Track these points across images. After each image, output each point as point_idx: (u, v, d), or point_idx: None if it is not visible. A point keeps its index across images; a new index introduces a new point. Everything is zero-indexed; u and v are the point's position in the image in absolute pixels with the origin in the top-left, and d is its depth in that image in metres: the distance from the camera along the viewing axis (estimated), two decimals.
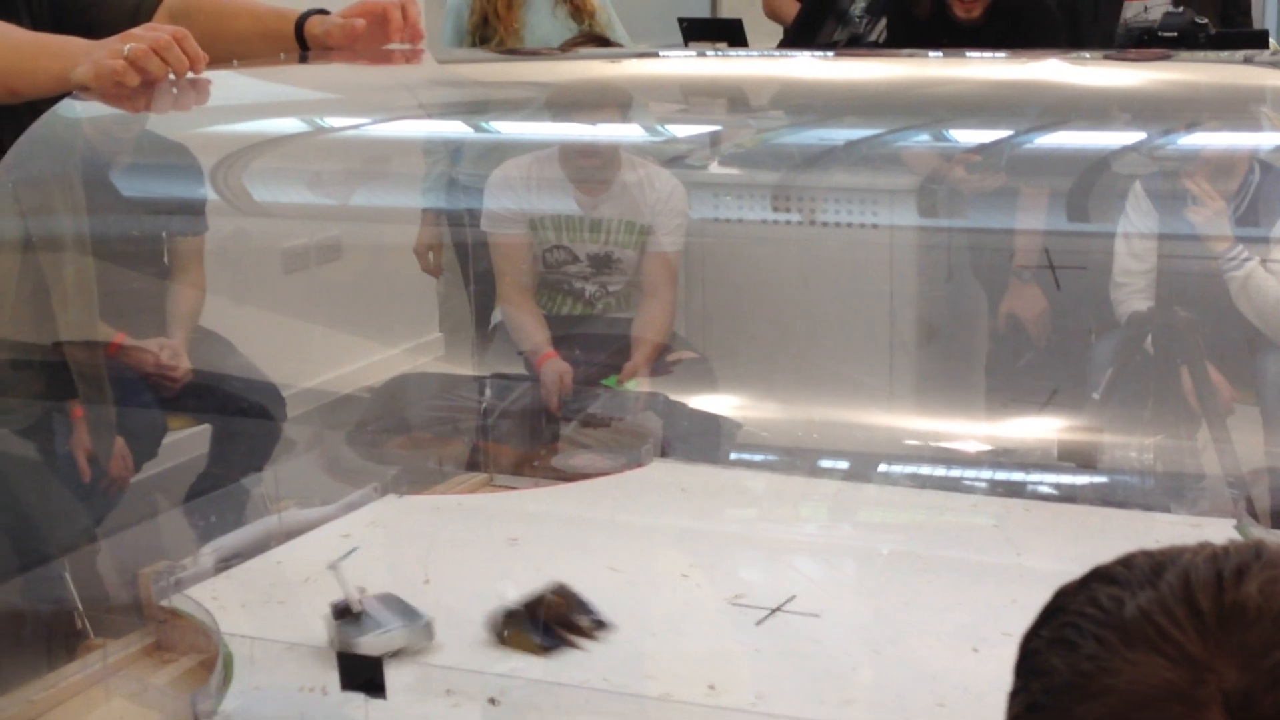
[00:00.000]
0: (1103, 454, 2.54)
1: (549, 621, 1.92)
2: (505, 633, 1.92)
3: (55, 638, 2.07)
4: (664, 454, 2.78)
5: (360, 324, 3.82)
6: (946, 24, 4.20)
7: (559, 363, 3.52)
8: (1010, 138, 2.63)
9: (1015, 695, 0.77)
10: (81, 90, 1.98)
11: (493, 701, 1.75)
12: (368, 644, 1.88)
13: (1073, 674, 0.73)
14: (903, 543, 2.31)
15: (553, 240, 3.74)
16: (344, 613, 1.96)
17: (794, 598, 2.04)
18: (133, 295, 3.46)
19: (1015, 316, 3.59)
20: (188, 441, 3.63)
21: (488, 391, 3.19)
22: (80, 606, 2.11)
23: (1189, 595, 0.74)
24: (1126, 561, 0.78)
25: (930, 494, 2.46)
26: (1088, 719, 0.71)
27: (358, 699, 1.70)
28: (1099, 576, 0.77)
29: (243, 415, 3.34)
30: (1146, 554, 0.78)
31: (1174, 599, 0.74)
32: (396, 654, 1.89)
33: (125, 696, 1.98)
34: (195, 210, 3.14)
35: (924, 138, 2.87)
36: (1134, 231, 3.29)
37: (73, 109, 2.06)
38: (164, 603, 2.10)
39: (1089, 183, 2.77)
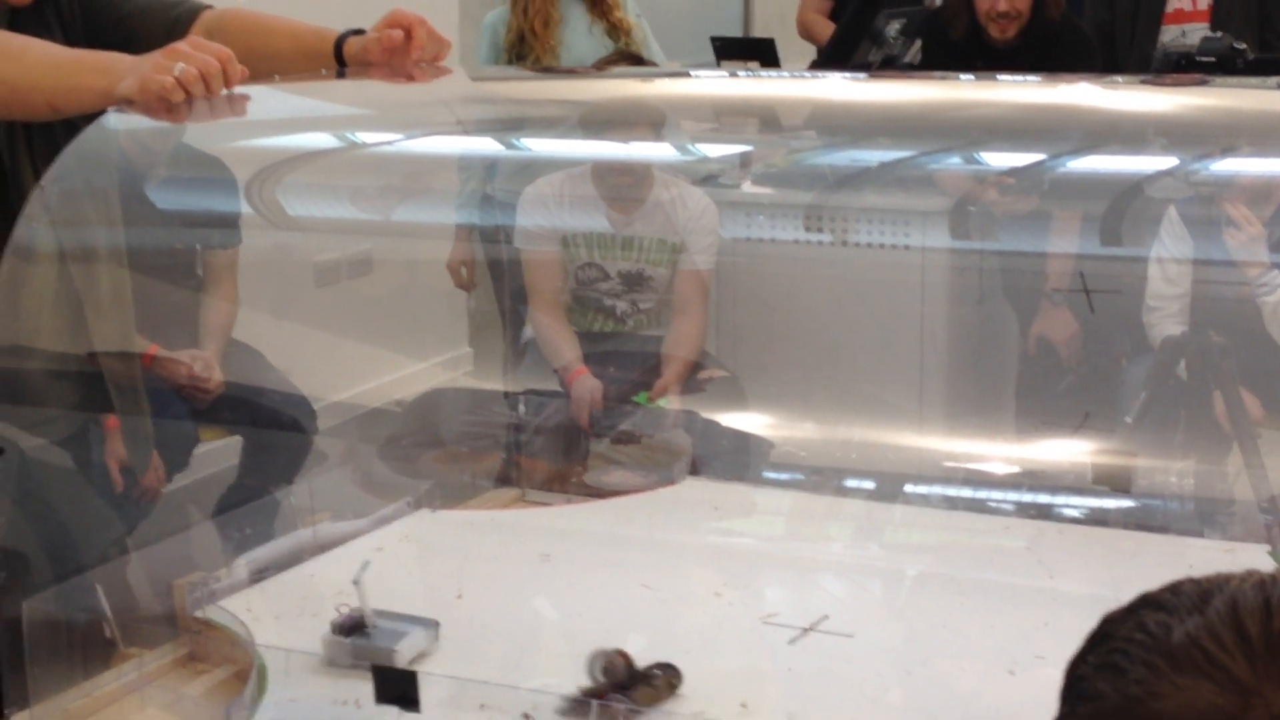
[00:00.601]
0: (1135, 477, 2.53)
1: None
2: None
3: (90, 647, 2.08)
4: (696, 472, 2.78)
5: (391, 338, 3.83)
6: (982, 46, 4.20)
7: (590, 380, 3.53)
8: (1044, 161, 2.63)
9: None
10: (125, 104, 1.99)
11: (526, 717, 1.76)
12: (404, 650, 1.91)
13: (1120, 699, 0.73)
14: (936, 564, 2.31)
15: (584, 257, 3.75)
16: (353, 629, 1.98)
17: (826, 617, 2.04)
18: (166, 307, 3.48)
19: (1047, 339, 3.59)
20: (218, 453, 3.65)
21: (520, 407, 3.20)
22: (111, 617, 2.12)
23: (1237, 621, 0.74)
24: (1174, 588, 0.78)
25: (963, 515, 2.46)
26: None
27: (392, 713, 1.70)
28: (1147, 603, 0.78)
29: (274, 427, 3.36)
30: (1194, 581, 0.78)
31: (1222, 625, 0.74)
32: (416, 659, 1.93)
33: (160, 707, 1.99)
34: (229, 223, 3.16)
35: (957, 160, 2.87)
36: (1168, 256, 3.29)
37: (113, 122, 2.07)
38: (198, 614, 2.11)
39: (1123, 206, 2.76)
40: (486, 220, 3.87)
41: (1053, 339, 3.56)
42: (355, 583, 2.02)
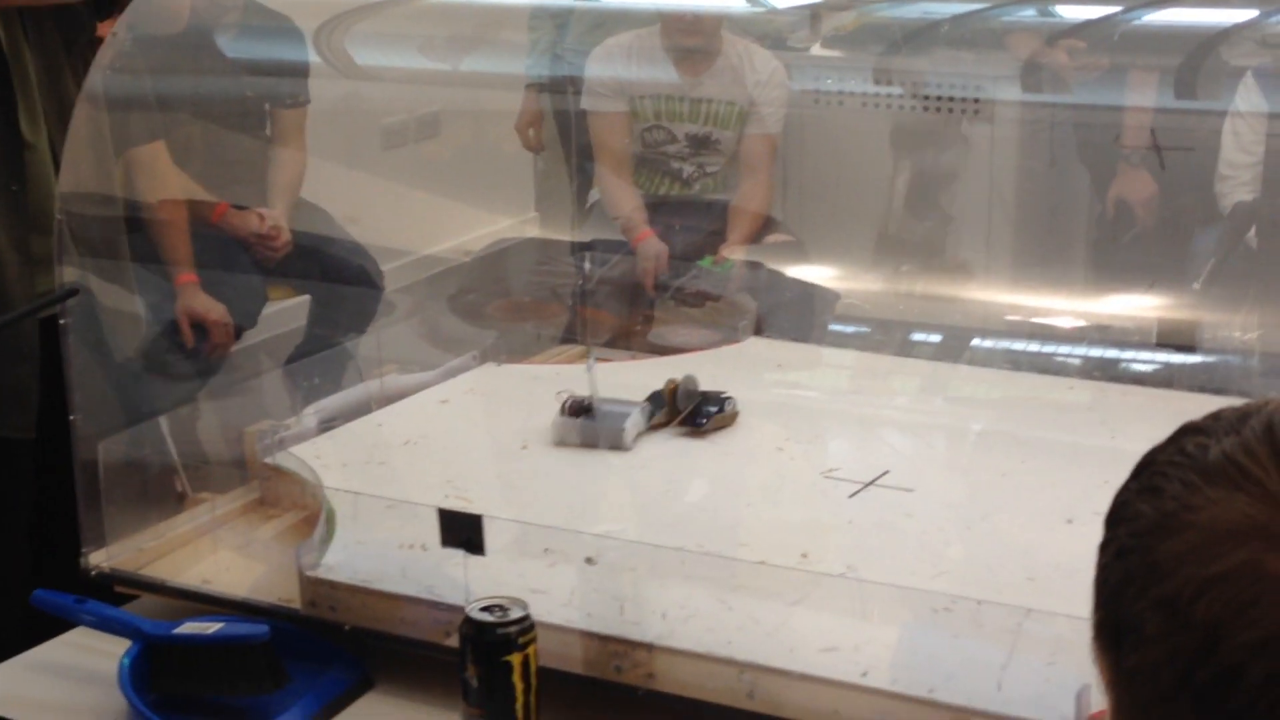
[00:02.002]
0: (1201, 340, 2.51)
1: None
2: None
3: (164, 491, 2.13)
4: (760, 331, 2.79)
5: (458, 201, 3.84)
6: None
7: (655, 242, 3.53)
8: (1119, 14, 2.59)
9: (1105, 546, 0.79)
10: None
11: (589, 561, 1.78)
12: (629, 428, 2.18)
13: (1158, 515, 0.75)
14: (998, 421, 2.31)
15: (651, 120, 3.73)
16: (581, 411, 2.18)
17: (887, 473, 2.06)
18: (236, 165, 3.51)
19: (1124, 201, 3.55)
20: (286, 313, 3.69)
21: (587, 263, 3.21)
22: (179, 464, 2.16)
23: (1271, 437, 0.75)
24: (1215, 415, 0.79)
25: (1026, 373, 2.46)
26: (1170, 555, 0.73)
27: (457, 556, 1.73)
28: (1187, 430, 0.79)
29: (342, 283, 3.39)
30: (1234, 407, 0.79)
31: (1257, 441, 0.75)
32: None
33: (232, 548, 2.04)
34: (298, 76, 3.16)
35: (1031, 13, 2.83)
36: (1242, 123, 3.24)
37: None
38: (268, 460, 2.15)
39: (1198, 61, 2.71)
40: (555, 80, 3.85)
41: (1130, 200, 3.52)
42: (589, 369, 2.26)
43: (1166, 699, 0.71)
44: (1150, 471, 0.78)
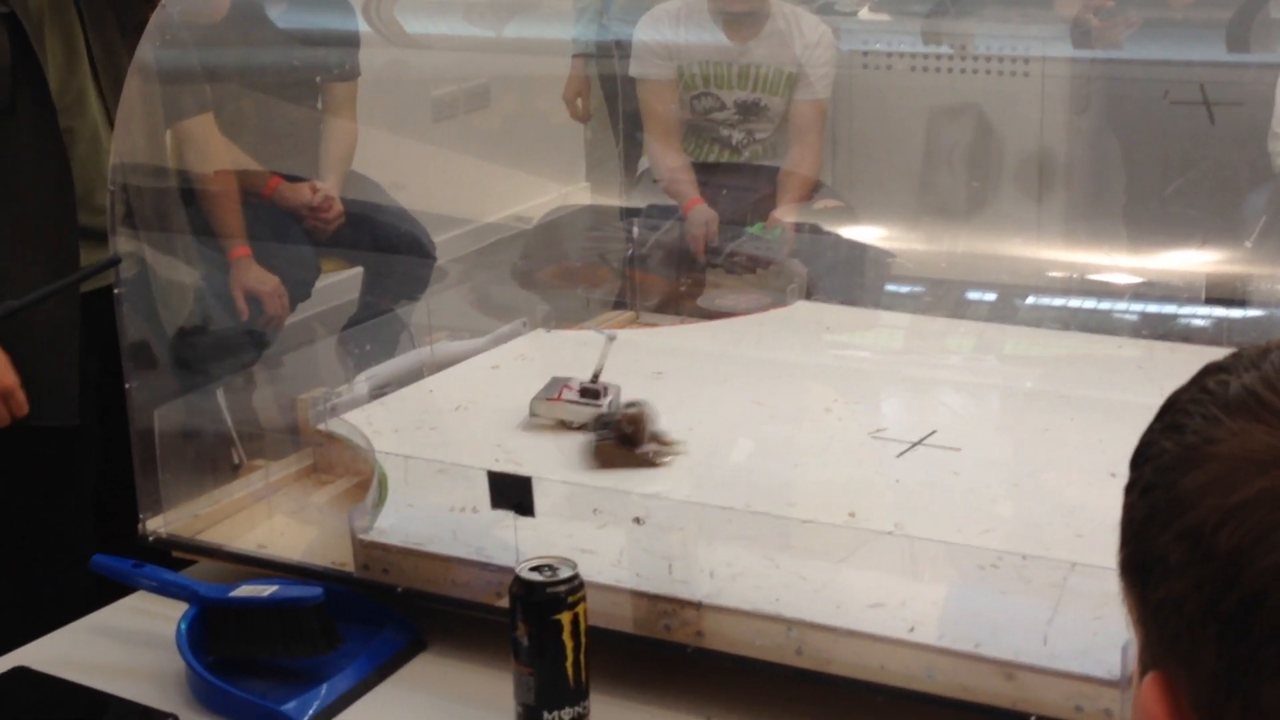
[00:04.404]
0: (1251, 297, 2.50)
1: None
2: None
3: (219, 458, 2.16)
4: (810, 295, 2.79)
5: (508, 171, 3.86)
6: None
7: (705, 209, 3.54)
8: None
9: (1130, 486, 0.80)
10: None
11: (638, 521, 1.80)
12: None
13: (1180, 450, 0.75)
14: (1045, 380, 2.31)
15: (700, 87, 3.74)
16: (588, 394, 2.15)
17: (934, 432, 2.06)
18: (287, 139, 3.54)
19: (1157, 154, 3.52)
20: (338, 286, 3.72)
21: (635, 229, 3.22)
22: (235, 434, 2.19)
23: None
24: (1236, 353, 0.80)
25: (1074, 334, 2.46)
26: (1193, 488, 0.73)
27: (507, 518, 1.74)
28: (1209, 369, 0.80)
29: (394, 252, 3.41)
30: (1254, 345, 0.80)
31: (1275, 374, 0.76)
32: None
33: (286, 514, 2.06)
34: (349, 43, 3.18)
35: None
36: None
37: None
38: (321, 427, 2.17)
39: (1251, 13, 2.69)
40: (603, 49, 3.86)
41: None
42: (605, 338, 2.23)
43: (1193, 629, 0.72)
44: (1173, 411, 0.78)
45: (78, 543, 2.60)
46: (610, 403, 2.14)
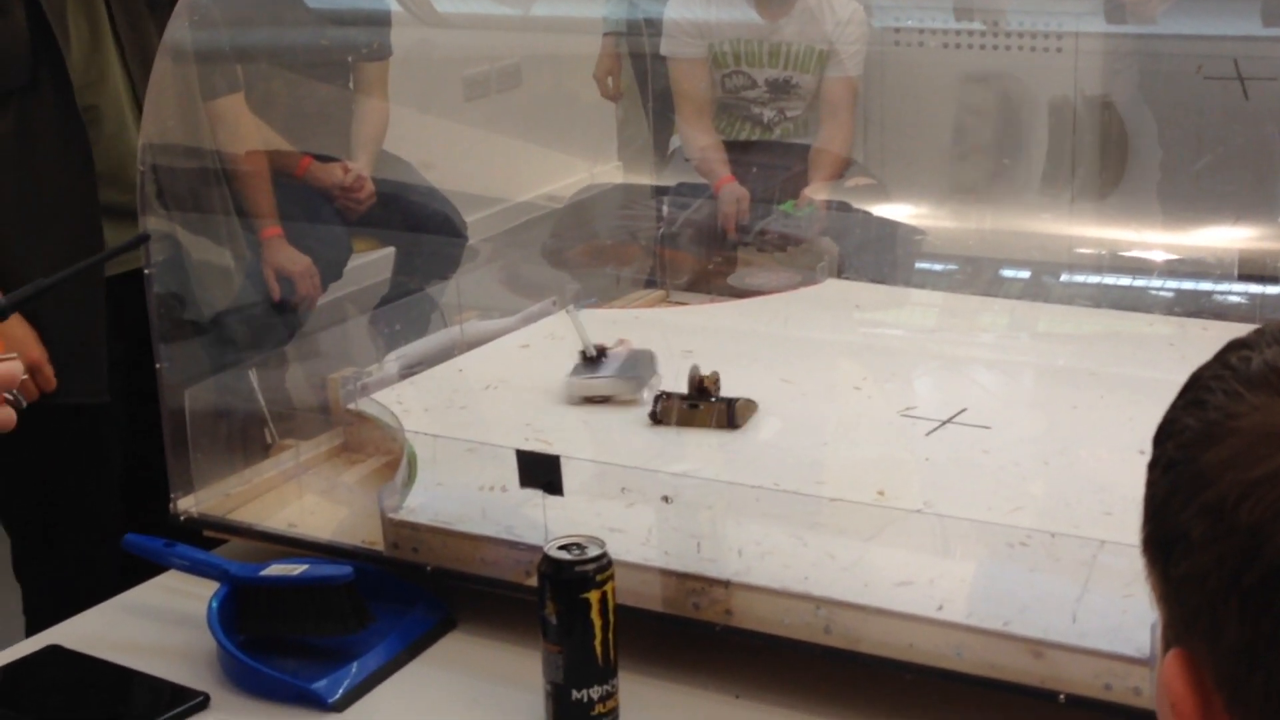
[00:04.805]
0: None
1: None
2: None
3: (249, 438, 2.16)
4: (842, 273, 2.78)
5: (540, 150, 3.86)
6: None
7: (736, 187, 3.53)
8: None
9: (1153, 463, 0.79)
10: None
11: (666, 500, 1.80)
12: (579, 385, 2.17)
13: (1202, 425, 0.75)
14: (1076, 358, 2.30)
15: (731, 65, 3.73)
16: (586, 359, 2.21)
17: (964, 410, 2.05)
18: (318, 119, 3.54)
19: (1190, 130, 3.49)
20: (371, 267, 3.73)
21: (665, 208, 3.22)
22: (267, 414, 2.20)
23: None
24: (1259, 330, 0.79)
25: (1106, 311, 2.44)
26: (1214, 463, 0.73)
27: (536, 496, 1.75)
28: (1232, 346, 0.79)
29: (426, 232, 3.41)
30: (1277, 320, 0.80)
31: None
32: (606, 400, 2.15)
33: (317, 493, 2.07)
34: (380, 23, 3.18)
35: None
36: None
37: None
38: (351, 406, 2.18)
39: None
40: (633, 27, 3.86)
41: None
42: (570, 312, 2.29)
43: (1215, 604, 0.71)
44: (1196, 387, 0.78)
45: (107, 522, 2.62)
46: (631, 361, 2.18)
